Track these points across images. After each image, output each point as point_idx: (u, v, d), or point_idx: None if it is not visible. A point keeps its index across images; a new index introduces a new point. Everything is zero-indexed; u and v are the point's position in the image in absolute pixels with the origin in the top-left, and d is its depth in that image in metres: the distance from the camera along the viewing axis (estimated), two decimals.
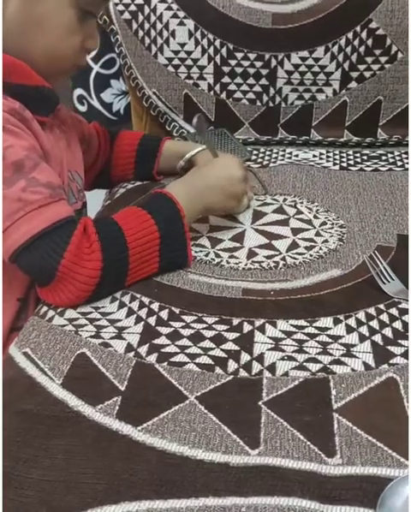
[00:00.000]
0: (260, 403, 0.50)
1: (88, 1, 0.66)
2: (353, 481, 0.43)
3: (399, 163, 1.01)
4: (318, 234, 0.78)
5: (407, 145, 1.08)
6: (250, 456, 0.45)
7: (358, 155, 1.06)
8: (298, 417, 0.49)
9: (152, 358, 0.55)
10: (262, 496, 0.42)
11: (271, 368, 0.54)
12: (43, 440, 0.46)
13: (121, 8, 1.06)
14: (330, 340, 0.58)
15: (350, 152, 1.08)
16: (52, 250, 0.59)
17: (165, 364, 0.54)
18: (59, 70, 0.69)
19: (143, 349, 0.56)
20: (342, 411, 0.49)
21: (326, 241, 0.76)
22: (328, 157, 1.06)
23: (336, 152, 1.08)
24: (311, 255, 0.73)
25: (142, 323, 0.60)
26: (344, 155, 1.07)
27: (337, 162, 1.03)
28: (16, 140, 0.60)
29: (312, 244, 0.75)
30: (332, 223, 0.80)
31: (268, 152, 1.08)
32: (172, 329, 0.59)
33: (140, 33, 1.07)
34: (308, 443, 0.46)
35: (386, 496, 0.41)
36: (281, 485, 0.43)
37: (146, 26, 1.06)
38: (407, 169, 0.98)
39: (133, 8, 1.06)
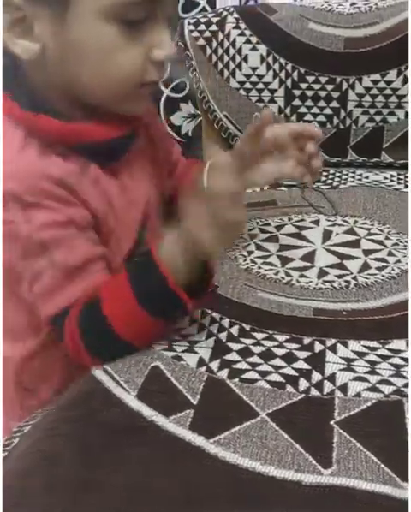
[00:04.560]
0: (332, 423, 0.50)
1: (132, 9, 0.54)
2: None
3: None
4: (390, 253, 0.77)
5: None
6: (323, 476, 0.45)
7: None
8: (371, 439, 0.48)
9: (224, 373, 0.56)
10: None
11: (343, 388, 0.54)
12: (120, 449, 0.48)
13: (195, 34, 1.10)
14: (404, 362, 0.57)
15: None
16: (62, 338, 0.60)
17: (236, 380, 0.55)
18: (124, 94, 0.59)
19: (214, 364, 0.57)
20: None
21: (399, 261, 0.75)
22: (399, 179, 1.05)
23: (408, 175, 1.06)
24: (383, 276, 0.72)
25: (213, 338, 0.61)
26: None
27: (408, 184, 1.02)
28: (50, 215, 0.57)
29: (385, 264, 0.74)
30: (404, 245, 0.79)
31: (337, 173, 1.08)
32: (243, 345, 0.60)
33: (214, 58, 1.10)
34: (382, 465, 0.46)
35: None
36: (354, 507, 0.42)
37: (220, 51, 1.10)
38: None
39: (207, 34, 1.09)
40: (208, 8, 1.39)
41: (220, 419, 0.50)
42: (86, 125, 0.60)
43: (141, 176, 0.68)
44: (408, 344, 0.59)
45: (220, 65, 1.10)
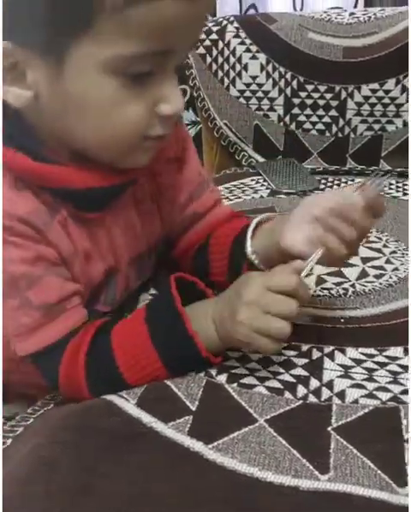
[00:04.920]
0: (330, 429, 0.50)
1: (136, 62, 0.48)
2: None
3: None
4: (388, 261, 0.77)
5: None
6: (320, 482, 0.45)
7: None
8: (368, 445, 0.48)
9: (222, 378, 0.56)
10: None
11: (341, 395, 0.54)
12: (119, 455, 0.48)
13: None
14: (401, 370, 0.57)
15: None
16: (46, 374, 0.57)
17: (235, 385, 0.55)
18: (125, 149, 0.54)
19: (214, 370, 0.57)
20: None
21: (396, 269, 0.76)
22: (398, 187, 1.05)
23: (406, 183, 1.07)
24: (381, 283, 0.73)
25: None
26: None
27: (407, 192, 1.03)
28: (17, 252, 0.53)
29: (382, 272, 0.75)
30: (402, 253, 0.80)
31: (336, 181, 1.09)
32: (242, 351, 0.60)
33: (214, 67, 1.11)
34: (379, 471, 0.46)
35: None
36: None
37: (220, 60, 1.11)
38: None
39: (207, 43, 1.11)
40: (208, 16, 1.40)
41: (219, 424, 0.51)
42: (66, 169, 0.54)
43: (125, 227, 0.63)
44: (406, 351, 0.60)
45: (220, 73, 1.11)
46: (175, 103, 0.52)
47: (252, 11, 1.44)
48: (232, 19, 1.12)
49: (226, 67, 1.10)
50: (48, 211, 0.55)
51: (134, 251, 0.65)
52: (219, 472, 0.46)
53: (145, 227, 0.66)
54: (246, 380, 0.56)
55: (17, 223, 0.53)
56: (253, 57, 1.09)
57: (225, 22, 1.12)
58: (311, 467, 0.46)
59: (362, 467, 0.46)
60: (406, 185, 1.06)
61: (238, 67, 1.10)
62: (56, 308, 0.56)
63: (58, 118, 0.52)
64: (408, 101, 1.08)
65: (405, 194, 1.01)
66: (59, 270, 0.57)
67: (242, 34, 1.10)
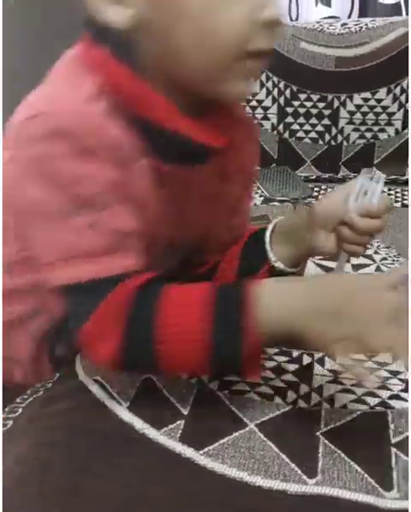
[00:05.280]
0: (318, 434, 0.51)
1: None
2: None
3: None
4: (378, 269, 0.79)
5: None
6: (308, 485, 0.46)
7: None
8: (356, 449, 0.50)
9: (214, 385, 0.57)
10: None
11: (330, 400, 0.55)
12: (111, 457, 0.49)
13: None
14: (390, 375, 0.58)
15: None
16: (79, 309, 0.49)
17: (226, 391, 0.56)
18: (225, 65, 0.49)
19: (205, 376, 0.58)
20: (400, 446, 0.50)
21: None
22: (390, 194, 1.07)
23: (398, 190, 1.09)
24: None
25: None
26: (406, 192, 1.07)
27: (399, 199, 1.04)
28: (100, 171, 0.48)
29: None
30: (393, 260, 0.81)
31: (330, 189, 1.10)
32: None
33: None
34: (366, 475, 0.47)
35: None
36: None
37: None
38: None
39: None
40: None
41: (210, 430, 0.52)
42: (170, 107, 0.50)
43: (199, 202, 0.59)
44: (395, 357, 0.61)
45: None
46: (275, 8, 0.48)
47: None
48: None
49: None
50: (136, 149, 0.50)
51: (193, 231, 0.61)
52: (210, 476, 0.47)
53: (212, 211, 0.62)
54: (237, 386, 0.57)
55: (107, 141, 0.48)
56: None
57: None
58: (299, 472, 0.47)
59: (349, 471, 0.47)
60: (398, 192, 1.08)
61: None
62: (123, 241, 0.50)
63: (156, 35, 0.49)
64: (399, 110, 1.09)
65: (396, 201, 1.03)
66: (132, 206, 0.51)
67: None
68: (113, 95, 0.49)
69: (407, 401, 0.55)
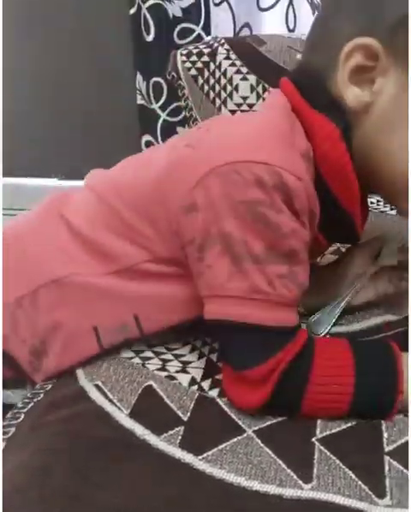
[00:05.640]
0: (314, 440, 0.53)
1: None
2: None
3: None
4: None
5: None
6: (303, 490, 0.48)
7: None
8: (350, 456, 0.51)
9: (214, 392, 0.59)
10: None
11: None
12: (112, 462, 0.50)
13: (188, 65, 1.15)
14: None
15: None
16: (254, 349, 0.53)
17: (226, 398, 0.58)
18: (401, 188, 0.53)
19: (206, 384, 0.60)
20: (394, 454, 0.51)
21: None
22: (386, 202, 1.08)
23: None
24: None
25: (205, 358, 0.64)
26: None
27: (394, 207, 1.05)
28: (304, 230, 0.52)
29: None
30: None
31: None
32: None
33: (206, 88, 1.15)
34: (359, 482, 0.48)
35: None
36: None
37: (212, 81, 1.14)
38: None
39: (199, 64, 1.14)
40: (203, 34, 1.42)
41: (208, 435, 0.53)
42: (358, 192, 0.55)
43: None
44: None
45: (212, 94, 1.15)
46: None
47: (246, 29, 1.47)
48: (222, 41, 1.16)
49: (217, 88, 1.14)
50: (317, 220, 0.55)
51: None
52: (209, 481, 0.49)
53: None
54: None
55: (310, 208, 0.52)
56: (244, 78, 1.13)
57: (216, 45, 1.15)
58: (295, 477, 0.49)
59: (344, 477, 0.49)
60: None
61: (229, 87, 1.13)
62: (302, 295, 0.54)
63: (375, 133, 0.52)
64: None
65: (392, 209, 1.04)
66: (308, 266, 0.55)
67: (233, 56, 1.13)
68: (319, 166, 0.53)
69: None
